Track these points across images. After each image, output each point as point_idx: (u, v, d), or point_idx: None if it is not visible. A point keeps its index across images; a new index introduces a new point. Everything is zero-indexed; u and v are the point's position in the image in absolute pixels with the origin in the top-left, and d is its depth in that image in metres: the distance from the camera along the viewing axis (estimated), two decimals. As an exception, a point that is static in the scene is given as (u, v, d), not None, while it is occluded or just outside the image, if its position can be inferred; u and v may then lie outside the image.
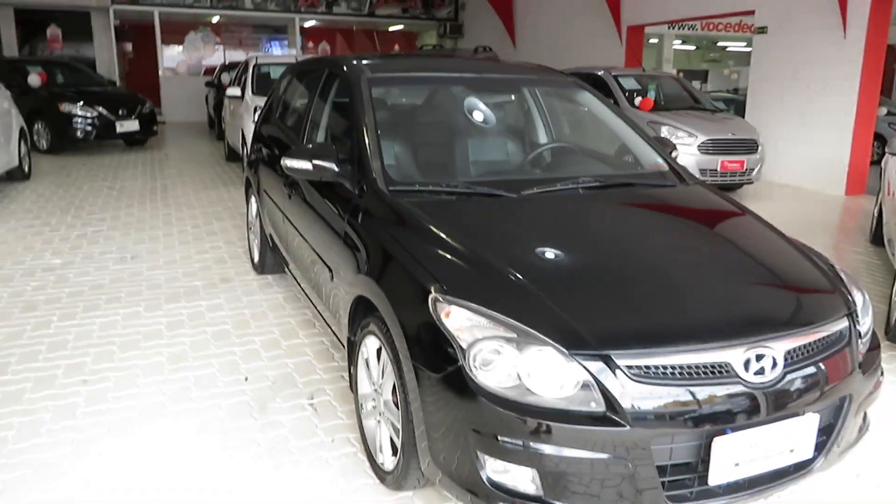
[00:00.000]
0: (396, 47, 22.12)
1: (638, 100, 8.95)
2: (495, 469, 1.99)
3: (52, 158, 10.52)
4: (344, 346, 2.92)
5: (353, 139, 3.01)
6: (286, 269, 4.21)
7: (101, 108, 10.93)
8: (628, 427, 1.89)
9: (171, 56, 18.52)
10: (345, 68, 3.49)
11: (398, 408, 2.29)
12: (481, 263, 2.27)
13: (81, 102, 10.82)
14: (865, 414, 2.46)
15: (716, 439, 1.95)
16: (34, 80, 10.99)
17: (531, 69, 3.93)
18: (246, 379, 3.36)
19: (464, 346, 1.99)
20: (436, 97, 3.68)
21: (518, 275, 2.19)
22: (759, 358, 2.02)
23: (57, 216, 6.76)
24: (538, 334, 1.96)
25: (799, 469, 2.16)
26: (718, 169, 8.17)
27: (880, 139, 11.02)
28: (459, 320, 2.05)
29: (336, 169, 2.93)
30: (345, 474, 2.61)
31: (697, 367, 1.97)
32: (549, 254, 2.41)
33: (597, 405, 1.91)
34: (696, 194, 3.06)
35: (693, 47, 24.37)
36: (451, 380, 2.01)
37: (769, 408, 2.01)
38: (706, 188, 3.15)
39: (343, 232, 2.85)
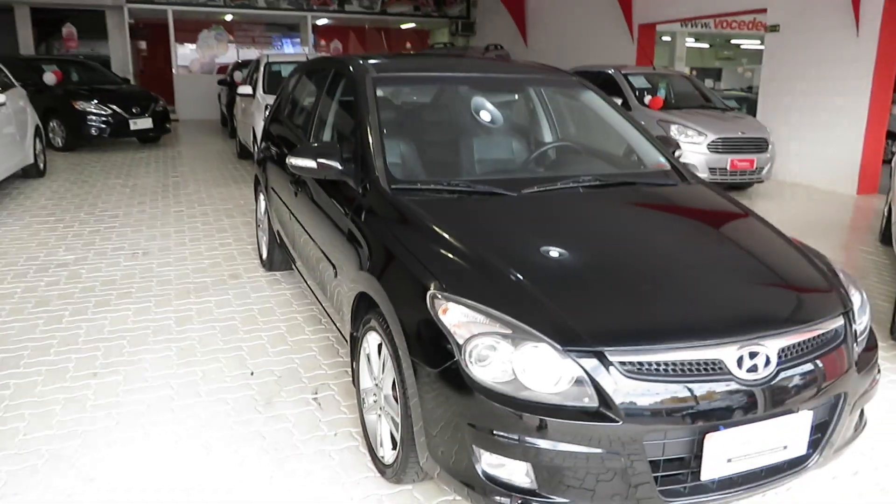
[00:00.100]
0: (408, 45, 22.16)
1: (648, 98, 8.94)
2: (491, 463, 2.03)
3: (67, 156, 10.65)
4: (347, 342, 2.97)
5: (357, 138, 3.05)
6: (293, 266, 4.27)
7: (114, 106, 11.05)
8: (621, 422, 1.92)
9: (184, 54, 18.65)
10: (350, 68, 3.53)
11: (397, 402, 2.34)
12: (480, 261, 2.31)
13: (96, 101, 10.95)
14: (862, 411, 2.48)
15: (708, 435, 1.98)
16: (49, 78, 11.12)
17: (535, 68, 3.96)
18: (252, 374, 3.42)
19: (460, 341, 2.03)
20: (440, 96, 3.72)
21: (516, 272, 2.23)
22: (752, 355, 2.04)
23: (70, 213, 6.86)
24: (533, 331, 1.99)
25: (793, 466, 2.18)
26: (728, 168, 8.15)
27: (894, 137, 10.94)
28: (456, 316, 2.09)
29: (340, 167, 2.98)
30: (346, 468, 2.66)
31: (690, 363, 2.00)
32: (547, 252, 2.44)
33: (590, 401, 1.94)
34: (697, 193, 3.08)
35: (707, 45, 24.25)
36: (448, 375, 2.05)
37: (762, 405, 2.03)
38: (708, 187, 3.16)
39: (346, 229, 2.90)
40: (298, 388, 3.28)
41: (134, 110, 11.25)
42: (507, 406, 1.96)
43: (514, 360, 1.99)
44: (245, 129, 9.73)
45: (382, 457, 2.55)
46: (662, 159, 3.32)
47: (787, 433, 2.09)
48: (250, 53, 18.08)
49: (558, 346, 1.96)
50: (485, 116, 3.69)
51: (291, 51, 19.43)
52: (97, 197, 7.66)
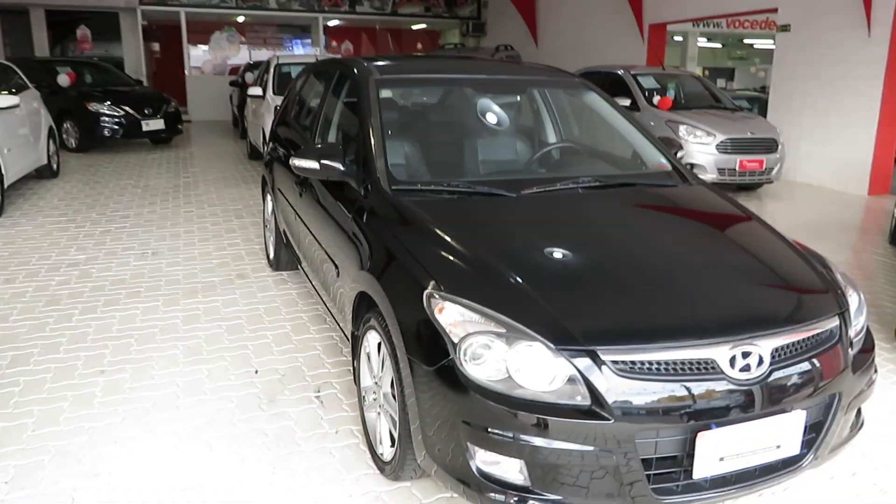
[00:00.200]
0: (419, 46, 22.21)
1: (656, 99, 8.93)
2: (485, 460, 2.06)
3: (80, 157, 10.77)
4: (349, 341, 3.01)
5: (360, 139, 3.09)
6: (299, 266, 4.31)
7: (127, 108, 11.16)
8: (613, 421, 1.94)
9: (197, 55, 18.78)
10: (355, 70, 3.56)
11: (396, 400, 2.37)
12: (476, 261, 2.34)
13: (109, 102, 11.07)
14: (860, 412, 2.49)
15: (700, 434, 2.00)
16: (63, 80, 11.25)
17: (538, 70, 3.99)
18: (256, 372, 3.47)
19: (455, 340, 2.06)
20: (442, 98, 3.75)
21: (512, 272, 2.25)
22: (745, 355, 2.06)
23: (82, 213, 6.95)
24: (527, 330, 2.02)
25: (787, 465, 2.19)
26: (737, 168, 8.14)
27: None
28: (452, 316, 2.12)
29: (342, 168, 3.02)
30: (346, 465, 2.70)
31: (683, 363, 2.02)
32: (544, 252, 2.46)
33: (582, 399, 1.97)
34: (697, 194, 3.09)
35: (719, 45, 24.13)
36: (443, 373, 2.08)
37: (754, 404, 2.05)
38: (708, 188, 3.17)
39: (348, 230, 2.94)
40: (301, 387, 3.32)
41: (146, 111, 11.36)
42: (501, 404, 1.99)
43: (507, 358, 2.01)
44: (255, 129, 9.81)
45: (382, 454, 2.59)
46: (664, 160, 3.34)
47: (779, 432, 2.10)
48: (262, 55, 18.18)
49: (551, 346, 1.99)
50: (487, 118, 3.71)
51: (302, 52, 19.52)
52: (109, 197, 7.75)
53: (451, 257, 2.39)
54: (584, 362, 1.98)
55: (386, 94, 3.41)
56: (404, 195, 2.79)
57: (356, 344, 2.81)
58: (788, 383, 2.12)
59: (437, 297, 2.17)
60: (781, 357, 2.13)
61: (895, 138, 9.08)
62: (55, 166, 8.93)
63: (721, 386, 2.02)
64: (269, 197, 4.98)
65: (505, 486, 2.05)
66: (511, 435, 1.98)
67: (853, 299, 2.47)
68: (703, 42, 22.00)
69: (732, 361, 2.04)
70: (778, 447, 2.12)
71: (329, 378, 3.41)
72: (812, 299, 2.37)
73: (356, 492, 2.54)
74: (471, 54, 16.41)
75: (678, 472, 2.05)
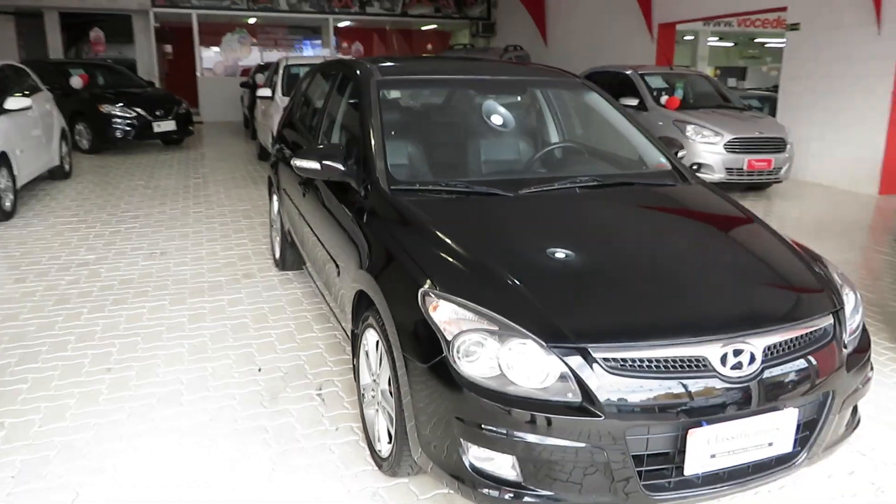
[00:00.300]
0: (429, 46, 22.26)
1: (664, 98, 8.91)
2: (478, 456, 2.08)
3: (92, 158, 10.89)
4: (350, 339, 3.04)
5: (361, 140, 3.13)
6: (304, 266, 4.35)
7: (139, 109, 11.26)
8: (603, 417, 1.96)
9: (208, 57, 18.92)
10: (357, 71, 3.60)
11: (393, 397, 2.40)
12: (472, 260, 2.37)
13: (121, 104, 11.18)
14: (856, 410, 2.50)
15: (691, 431, 2.01)
16: (76, 81, 11.39)
17: (538, 70, 4.01)
18: (259, 370, 3.51)
19: (449, 337, 2.09)
20: (442, 99, 3.78)
21: (507, 271, 2.28)
22: (736, 353, 2.07)
23: (93, 213, 7.03)
24: (519, 328, 2.04)
25: (781, 463, 2.20)
26: (745, 168, 8.11)
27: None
28: (446, 314, 2.15)
29: (343, 168, 3.05)
30: (345, 461, 2.73)
31: (674, 360, 2.04)
32: (539, 251, 2.48)
33: (573, 396, 1.99)
34: (695, 193, 3.10)
35: (731, 44, 24.00)
36: (437, 370, 2.11)
37: (745, 402, 2.06)
38: (707, 188, 3.18)
39: (349, 229, 2.97)
40: (303, 385, 3.36)
41: (157, 113, 11.46)
42: (493, 401, 2.01)
43: (500, 356, 2.04)
44: (264, 130, 9.88)
45: (380, 450, 2.62)
46: (663, 159, 3.35)
47: (772, 430, 2.11)
48: (273, 56, 18.28)
49: (543, 343, 2.01)
50: (493, 119, 3.73)
51: (311, 53, 19.62)
52: (120, 198, 7.83)
53: (446, 256, 2.41)
54: (575, 360, 2.00)
55: (387, 94, 3.44)
56: (403, 195, 2.82)
57: (356, 342, 2.84)
58: (781, 381, 2.13)
59: (431, 295, 2.20)
60: (774, 355, 2.14)
61: (906, 137, 9.03)
62: (67, 167, 9.04)
63: (712, 383, 2.04)
64: (274, 197, 5.03)
65: (498, 482, 2.07)
66: (503, 431, 2.01)
67: (849, 298, 2.47)
68: (714, 41, 21.88)
69: (724, 359, 2.06)
70: (770, 445, 2.13)
71: (331, 376, 3.45)
72: (806, 298, 2.38)
73: (354, 488, 2.57)
74: (479, 55, 16.45)
75: (670, 468, 2.06)
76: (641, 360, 2.02)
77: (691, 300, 2.25)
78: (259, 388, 3.32)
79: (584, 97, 3.77)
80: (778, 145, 8.29)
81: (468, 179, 3.13)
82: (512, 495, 2.06)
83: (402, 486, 2.57)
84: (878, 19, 8.65)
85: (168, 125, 11.59)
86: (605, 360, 2.00)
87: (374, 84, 3.34)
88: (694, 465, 2.04)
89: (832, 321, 2.31)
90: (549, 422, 1.97)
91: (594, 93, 3.70)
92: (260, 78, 12.31)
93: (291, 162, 3.22)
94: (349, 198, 3.08)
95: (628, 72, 9.57)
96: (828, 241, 6.16)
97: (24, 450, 2.78)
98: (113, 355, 3.67)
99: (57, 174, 8.73)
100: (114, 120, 11.08)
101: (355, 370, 2.90)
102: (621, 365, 2.01)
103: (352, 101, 3.57)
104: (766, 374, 2.10)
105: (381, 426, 2.60)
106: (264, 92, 9.20)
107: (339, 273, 3.10)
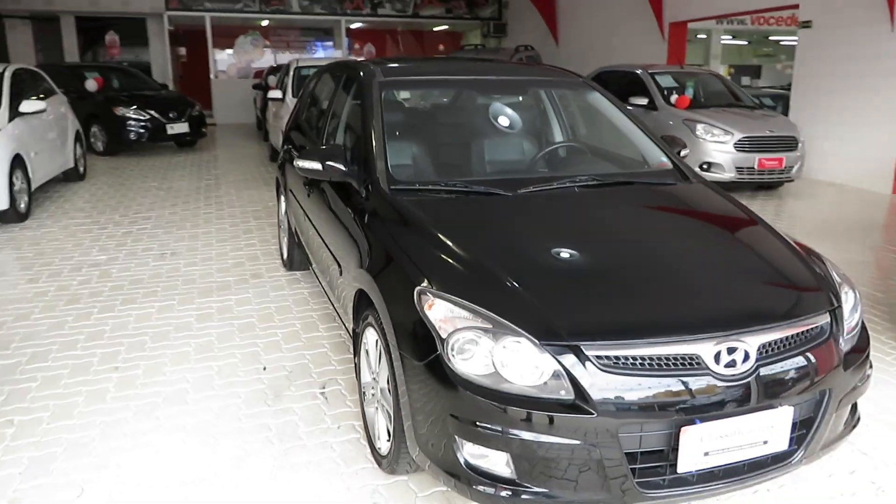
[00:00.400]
0: (441, 47, 22.30)
1: (674, 97, 8.88)
2: (472, 453, 2.10)
3: (107, 160, 11.02)
4: (352, 338, 3.07)
5: (362, 140, 3.16)
6: (310, 266, 4.39)
7: (153, 112, 11.38)
8: (595, 415, 1.97)
9: (222, 59, 19.09)
10: (360, 72, 3.63)
11: (391, 395, 2.43)
12: (468, 259, 2.39)
13: (135, 106, 11.31)
14: (855, 408, 2.49)
15: (684, 429, 2.02)
16: (91, 84, 11.54)
17: (540, 70, 4.02)
18: (264, 369, 3.55)
19: (443, 335, 2.11)
20: (445, 100, 3.80)
21: (503, 270, 2.29)
22: (730, 351, 2.07)
23: (106, 214, 7.13)
24: (512, 325, 2.06)
25: (777, 461, 2.20)
26: (756, 167, 8.05)
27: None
28: (442, 312, 2.17)
29: (344, 169, 3.08)
30: (346, 458, 2.76)
31: (667, 358, 2.04)
32: (535, 250, 2.50)
33: (566, 393, 2.00)
34: (695, 192, 3.10)
35: (745, 42, 23.83)
36: (432, 367, 2.13)
37: (739, 399, 2.07)
38: (708, 187, 3.18)
39: (350, 229, 3.00)
40: (307, 383, 3.39)
41: (171, 115, 11.58)
42: (487, 398, 2.03)
43: (494, 353, 2.06)
44: (276, 132, 9.93)
45: (379, 448, 2.64)
46: (665, 158, 3.35)
47: (766, 428, 2.11)
48: (286, 58, 18.40)
49: (536, 341, 2.03)
50: (497, 120, 3.75)
51: (324, 55, 19.72)
52: (132, 199, 7.93)
53: (443, 255, 2.43)
54: (568, 358, 2.01)
55: (389, 95, 3.46)
56: (402, 195, 2.85)
57: (357, 341, 2.87)
58: (775, 379, 2.13)
59: (427, 293, 2.23)
60: (769, 353, 2.14)
61: (920, 135, 8.93)
62: (82, 169, 9.15)
63: (705, 381, 2.04)
64: (282, 198, 5.07)
65: (493, 479, 2.09)
66: (497, 429, 2.03)
67: (848, 297, 2.47)
68: (728, 39, 21.74)
69: (717, 357, 2.06)
70: (765, 443, 2.13)
71: (335, 375, 3.48)
72: (802, 296, 2.37)
73: (354, 485, 2.60)
74: (490, 55, 16.46)
75: (664, 466, 2.07)
76: (634, 358, 2.03)
77: (685, 298, 2.26)
78: (263, 387, 3.36)
79: (586, 97, 3.77)
80: (789, 144, 8.23)
81: (467, 179, 3.15)
82: (507, 492, 2.08)
83: (401, 484, 2.59)
84: (892, 17, 8.57)
85: (181, 127, 11.70)
86: (598, 357, 2.01)
87: (376, 85, 3.37)
88: (687, 462, 2.05)
89: (829, 319, 2.31)
90: (542, 419, 1.99)
91: (596, 92, 3.71)
92: (272, 80, 12.40)
93: (294, 162, 3.25)
94: (351, 198, 3.11)
95: (638, 71, 9.54)
96: (839, 240, 6.11)
97: (32, 447, 2.83)
98: (121, 354, 3.72)
99: (71, 176, 8.85)
100: (128, 122, 11.21)
101: (357, 369, 2.92)
102: (614, 363, 2.02)
103: (355, 101, 3.60)
104: (761, 372, 2.10)
105: (381, 424, 2.62)
106: (275, 94, 9.27)
107: (341, 272, 3.13)
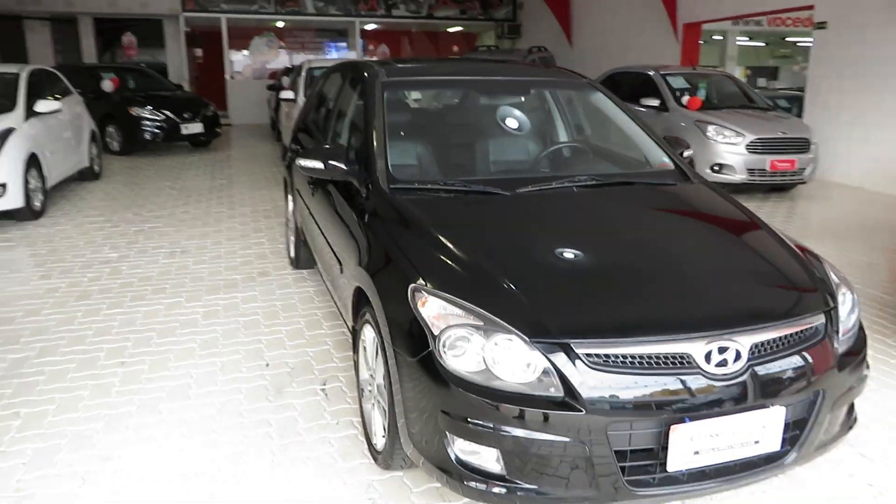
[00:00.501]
0: (455, 48, 22.33)
1: (685, 99, 8.84)
2: (463, 450, 2.12)
3: (122, 159, 11.15)
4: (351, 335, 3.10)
5: (363, 139, 3.19)
6: (315, 264, 4.43)
7: (167, 112, 11.50)
8: (585, 412, 1.98)
9: (237, 60, 19.25)
10: (364, 73, 3.66)
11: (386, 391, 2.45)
12: (464, 258, 2.41)
13: (150, 106, 11.43)
14: (852, 409, 2.48)
15: (673, 427, 2.02)
16: (107, 85, 11.68)
17: (543, 71, 4.03)
18: (267, 365, 3.59)
19: (436, 332, 2.13)
20: (448, 100, 3.82)
21: (497, 269, 2.31)
22: (722, 350, 2.08)
23: (119, 213, 7.22)
24: (504, 323, 2.08)
25: (770, 461, 2.20)
26: (768, 168, 7.99)
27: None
28: (435, 309, 2.19)
29: (345, 168, 3.11)
30: (344, 454, 2.79)
31: (658, 357, 2.05)
32: (531, 249, 2.51)
33: (556, 391, 2.01)
34: (695, 193, 3.10)
35: (762, 43, 23.65)
36: (425, 363, 2.15)
37: (730, 399, 2.07)
38: (709, 187, 3.17)
39: (351, 227, 3.03)
40: (309, 380, 3.43)
41: (185, 115, 11.69)
42: (477, 394, 2.05)
43: (485, 351, 2.07)
44: (288, 132, 9.98)
45: (376, 444, 2.67)
46: (666, 159, 3.35)
47: (757, 428, 2.11)
48: (300, 59, 18.51)
49: (526, 339, 2.04)
50: (505, 122, 3.77)
51: (338, 56, 19.81)
52: (146, 198, 8.02)
53: (438, 254, 2.46)
54: (558, 355, 2.03)
55: (392, 95, 3.49)
56: (402, 194, 2.87)
57: (356, 338, 2.90)
58: (768, 379, 2.13)
59: (421, 291, 2.25)
60: (761, 353, 2.14)
61: (936, 138, 8.83)
62: (97, 168, 9.26)
63: (696, 380, 2.05)
64: (290, 197, 5.12)
65: (483, 475, 2.11)
66: (488, 425, 2.04)
67: (845, 298, 2.46)
68: (744, 41, 21.58)
69: (708, 356, 2.07)
70: (756, 443, 2.13)
71: (336, 372, 3.51)
72: (797, 296, 2.37)
73: (350, 479, 2.63)
74: (504, 56, 16.46)
75: (653, 464, 2.08)
76: (624, 357, 2.04)
77: (677, 297, 2.27)
78: (266, 383, 3.40)
79: (590, 97, 3.78)
80: (802, 146, 8.16)
81: (466, 179, 3.16)
82: (501, 489, 2.09)
83: (396, 479, 2.62)
84: (907, 17, 8.49)
85: (196, 127, 11.81)
86: (588, 355, 2.03)
87: (378, 85, 3.40)
88: (677, 461, 2.05)
89: (824, 320, 2.31)
90: (531, 416, 2.00)
91: (600, 93, 3.71)
92: (286, 80, 12.48)
93: (297, 161, 3.29)
94: (352, 197, 3.14)
95: (650, 72, 9.50)
96: (849, 242, 6.06)
97: (37, 438, 2.89)
98: (128, 349, 3.78)
99: (87, 175, 8.96)
100: (143, 122, 11.34)
101: (356, 365, 2.95)
102: (604, 361, 2.03)
103: (359, 101, 3.64)
104: (753, 371, 2.11)
105: (377, 420, 2.65)
106: (287, 94, 9.34)
107: (341, 270, 3.16)
